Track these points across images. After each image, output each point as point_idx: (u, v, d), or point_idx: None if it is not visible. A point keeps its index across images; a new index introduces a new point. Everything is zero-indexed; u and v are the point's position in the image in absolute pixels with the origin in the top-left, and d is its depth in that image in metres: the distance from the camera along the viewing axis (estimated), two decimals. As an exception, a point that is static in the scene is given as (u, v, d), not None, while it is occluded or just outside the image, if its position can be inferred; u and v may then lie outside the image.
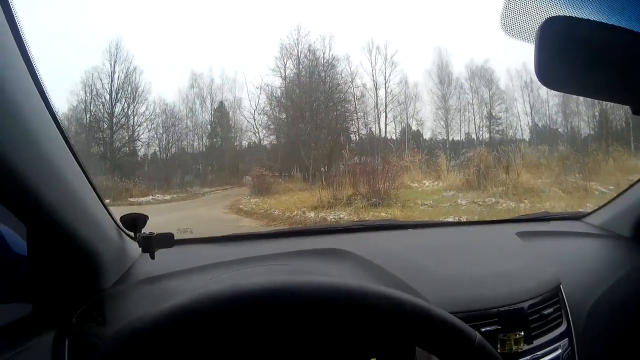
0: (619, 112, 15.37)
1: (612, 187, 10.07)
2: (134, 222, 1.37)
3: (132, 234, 1.40)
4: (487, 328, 1.28)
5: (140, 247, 1.35)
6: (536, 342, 1.36)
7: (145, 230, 1.39)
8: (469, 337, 0.71)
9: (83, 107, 15.61)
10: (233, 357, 0.88)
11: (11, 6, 0.77)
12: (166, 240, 1.38)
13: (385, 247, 1.69)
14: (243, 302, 0.67)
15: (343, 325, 0.72)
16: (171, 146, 17.20)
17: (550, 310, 1.43)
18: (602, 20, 0.81)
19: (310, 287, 0.70)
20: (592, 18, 0.81)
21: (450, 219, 7.56)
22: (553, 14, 0.80)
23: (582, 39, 0.80)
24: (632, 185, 2.01)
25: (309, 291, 0.70)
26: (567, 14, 0.81)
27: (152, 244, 1.34)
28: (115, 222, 1.32)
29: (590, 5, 0.84)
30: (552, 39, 0.79)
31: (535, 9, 0.82)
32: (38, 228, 1.00)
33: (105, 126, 16.03)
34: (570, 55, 0.81)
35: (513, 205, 9.82)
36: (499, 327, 1.30)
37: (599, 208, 2.20)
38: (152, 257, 1.34)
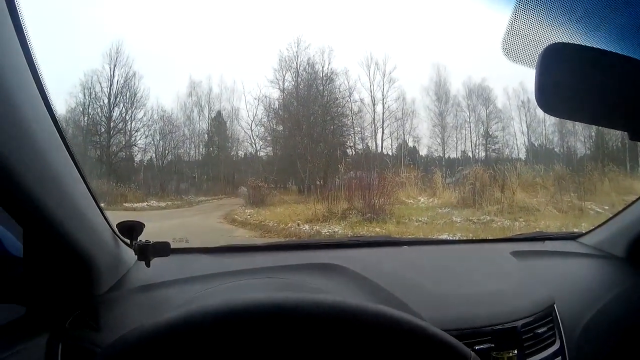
0: (615, 133, 15.47)
1: (607, 207, 10.18)
2: (131, 230, 1.39)
3: (128, 241, 1.40)
4: (481, 346, 1.31)
5: (136, 254, 1.36)
6: None
7: (141, 237, 1.38)
8: (463, 356, 0.72)
9: (81, 109, 15.65)
10: None
11: (18, 10, 0.76)
12: (162, 249, 1.39)
13: (380, 264, 1.71)
14: (241, 318, 0.67)
15: (341, 342, 0.72)
16: (168, 153, 17.24)
17: (544, 329, 1.46)
18: (602, 48, 0.83)
19: (309, 304, 0.71)
20: (592, 45, 0.83)
21: (445, 236, 7.60)
22: (554, 41, 0.81)
23: (582, 66, 0.82)
24: (627, 207, 2.04)
25: (307, 308, 0.71)
26: (569, 41, 0.82)
27: (148, 252, 1.35)
28: (112, 228, 1.33)
29: (590, 33, 0.86)
30: (553, 65, 0.81)
31: (536, 35, 0.84)
32: (34, 230, 0.99)
33: (103, 130, 16.05)
34: (571, 82, 0.83)
35: (508, 224, 9.87)
36: (492, 345, 1.32)
37: (594, 228, 2.23)
38: (148, 265, 1.35)
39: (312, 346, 0.79)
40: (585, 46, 0.82)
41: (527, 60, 0.86)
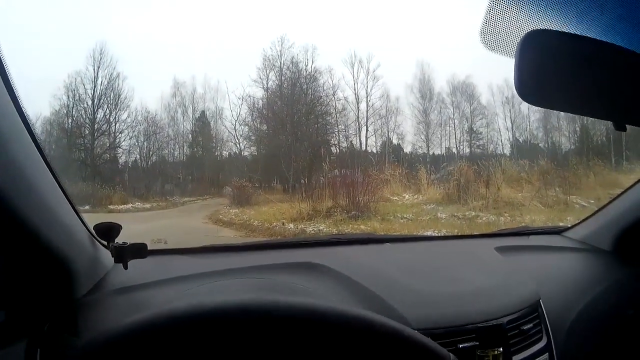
0: (600, 127, 15.57)
1: (592, 201, 10.22)
2: (108, 231, 1.37)
3: (105, 243, 1.38)
4: (465, 344, 1.29)
5: (113, 256, 1.34)
6: (516, 358, 1.37)
7: (123, 237, 1.38)
8: (442, 358, 0.72)
9: (65, 111, 15.35)
10: None
11: None
12: (139, 250, 1.37)
13: (362, 262, 1.69)
14: (209, 321, 0.67)
15: (313, 346, 0.72)
16: (152, 154, 17.02)
17: (529, 325, 1.44)
18: (583, 34, 0.82)
19: (281, 307, 0.70)
20: (573, 32, 0.82)
21: (430, 233, 7.60)
22: (533, 28, 0.80)
23: (562, 53, 0.81)
24: (612, 200, 2.03)
25: (278, 311, 0.70)
26: (548, 28, 0.82)
27: (125, 254, 1.33)
28: (89, 230, 1.31)
29: (571, 19, 0.85)
30: (533, 53, 0.79)
31: (515, 23, 0.83)
32: (9, 235, 0.98)
33: (87, 132, 15.77)
34: (551, 69, 0.82)
35: (493, 219, 9.87)
36: (477, 343, 1.30)
37: (579, 222, 2.22)
38: (126, 267, 1.33)
39: (283, 349, 0.80)
40: (566, 32, 0.82)
41: (506, 49, 0.85)
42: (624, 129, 0.88)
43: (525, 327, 1.42)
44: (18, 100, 0.89)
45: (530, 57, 0.79)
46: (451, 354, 0.73)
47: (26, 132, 0.94)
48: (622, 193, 1.97)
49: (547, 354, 1.46)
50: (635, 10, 0.85)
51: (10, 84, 0.86)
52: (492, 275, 1.65)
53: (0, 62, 0.83)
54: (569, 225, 2.28)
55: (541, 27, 0.81)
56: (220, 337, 0.68)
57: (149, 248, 1.41)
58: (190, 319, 0.67)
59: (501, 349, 1.33)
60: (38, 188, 0.98)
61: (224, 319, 0.68)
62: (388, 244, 2.05)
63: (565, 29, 0.83)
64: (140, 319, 0.67)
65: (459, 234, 5.99)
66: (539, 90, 0.83)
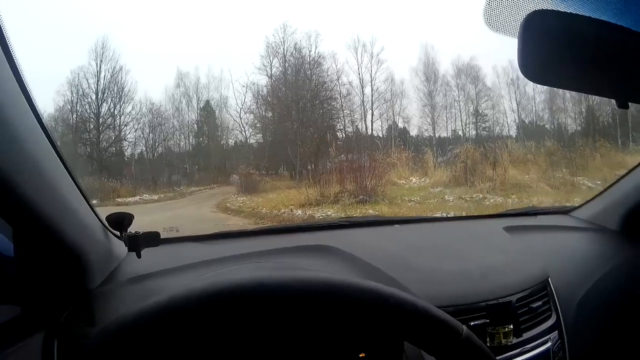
0: (606, 109, 15.47)
1: (599, 182, 10.16)
2: (120, 222, 1.37)
3: (118, 233, 1.38)
4: (476, 322, 1.29)
5: (126, 246, 1.35)
6: (526, 335, 1.37)
7: (132, 229, 1.39)
8: (455, 330, 0.71)
9: (69, 107, 15.31)
10: (218, 353, 0.89)
11: None
12: (152, 239, 1.38)
13: (371, 243, 1.69)
14: (225, 298, 0.67)
15: (328, 320, 0.72)
16: (158, 146, 17.07)
17: (539, 303, 1.45)
18: (586, 14, 0.80)
19: (292, 282, 0.70)
20: (575, 11, 0.80)
21: (438, 215, 7.60)
22: (536, 8, 0.79)
23: (565, 32, 0.80)
24: (619, 179, 2.03)
25: (290, 286, 0.70)
26: (551, 8, 0.80)
27: (138, 243, 1.33)
28: (101, 221, 1.31)
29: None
30: (536, 33, 0.79)
31: (518, 2, 0.82)
32: (24, 229, 0.99)
33: (92, 126, 15.78)
34: (554, 49, 0.81)
35: (500, 201, 9.89)
36: (487, 320, 1.30)
37: (586, 202, 2.21)
38: (139, 256, 1.34)
39: (298, 323, 0.80)
40: (569, 12, 0.80)
41: (510, 29, 0.83)
42: (627, 107, 0.88)
43: (534, 305, 1.42)
44: (32, 99, 0.90)
45: (533, 36, 0.79)
46: (464, 327, 0.72)
47: (40, 129, 0.94)
48: (628, 172, 1.97)
49: (557, 331, 1.46)
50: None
51: (24, 84, 0.87)
52: (501, 254, 1.66)
53: (15, 64, 0.84)
54: (576, 205, 2.28)
55: (544, 7, 0.80)
56: (237, 314, 0.68)
57: (161, 237, 1.41)
58: (206, 297, 0.67)
59: (511, 326, 1.33)
60: (52, 182, 0.98)
61: (240, 295, 0.68)
62: (397, 225, 2.04)
63: (568, 9, 0.81)
64: (153, 302, 0.68)
65: (468, 215, 6.00)
66: (541, 69, 0.82)
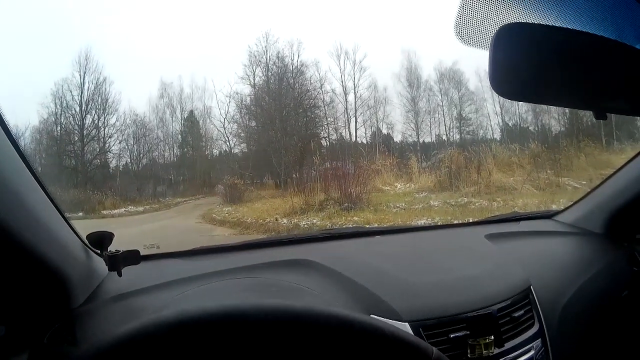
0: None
1: (584, 182, 10.23)
2: (101, 240, 1.36)
3: (99, 251, 1.38)
4: (456, 334, 1.30)
5: (106, 264, 1.35)
6: (508, 345, 1.38)
7: (116, 244, 1.38)
8: (424, 352, 0.73)
9: (53, 119, 15.09)
10: None
11: None
12: (132, 257, 1.38)
13: (352, 256, 1.70)
14: (194, 327, 0.69)
15: (297, 348, 0.73)
16: (142, 157, 16.93)
17: (521, 312, 1.46)
18: (558, 24, 0.82)
19: (260, 311, 0.72)
20: (546, 23, 0.82)
21: (423, 222, 7.64)
22: (507, 22, 0.80)
23: (539, 46, 0.80)
24: (602, 182, 2.03)
25: (257, 315, 0.72)
26: (523, 20, 0.81)
27: (118, 261, 1.34)
28: (82, 240, 1.32)
29: (546, 12, 0.85)
30: (507, 46, 0.79)
31: (489, 17, 0.82)
32: (3, 250, 1.00)
33: (76, 138, 15.53)
34: (528, 63, 0.81)
35: (486, 204, 9.91)
36: (468, 332, 1.32)
37: (570, 205, 2.22)
38: (120, 274, 1.34)
39: (264, 351, 0.82)
40: (541, 24, 0.81)
41: (481, 43, 0.84)
42: (605, 118, 0.88)
43: (516, 314, 1.44)
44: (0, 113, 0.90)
45: (504, 50, 0.79)
46: (434, 348, 0.73)
47: (10, 144, 0.94)
48: (611, 175, 1.97)
49: (540, 339, 1.47)
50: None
51: None
52: (482, 264, 1.66)
53: None
54: (560, 209, 2.28)
55: (515, 19, 0.81)
56: (204, 341, 0.69)
57: (141, 254, 1.42)
58: (176, 324, 0.69)
59: (492, 337, 1.34)
60: (28, 202, 0.98)
61: (207, 323, 0.69)
62: (378, 236, 2.05)
63: (539, 21, 0.82)
64: (130, 328, 0.69)
65: (451, 221, 6.00)
66: (514, 85, 0.83)
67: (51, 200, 1.11)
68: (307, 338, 0.71)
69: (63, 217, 1.18)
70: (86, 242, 1.34)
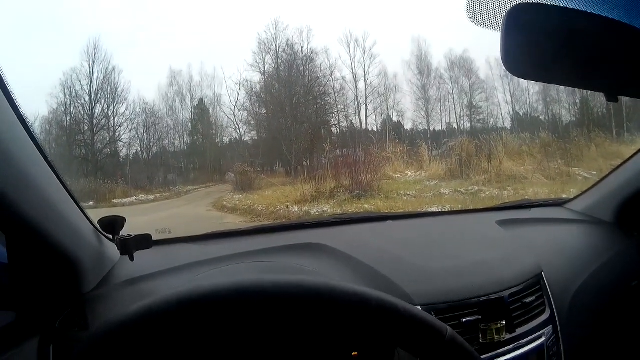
0: (600, 99, 15.40)
1: (594, 173, 10.15)
2: (112, 225, 1.35)
3: (110, 236, 1.38)
4: (468, 318, 1.29)
5: (118, 249, 1.34)
6: (519, 331, 1.37)
7: (127, 232, 1.38)
8: (439, 332, 0.72)
9: (63, 109, 15.22)
10: (205, 356, 0.90)
11: None
12: (144, 241, 1.37)
13: (364, 240, 1.69)
14: (207, 303, 0.68)
15: (314, 322, 0.72)
16: (153, 146, 17.02)
17: (532, 298, 1.44)
18: (571, 7, 0.80)
19: (278, 286, 0.71)
20: (560, 4, 0.80)
21: (434, 209, 7.59)
22: (520, 1, 0.79)
23: (549, 26, 0.80)
24: (613, 170, 2.00)
25: (275, 290, 0.71)
26: (534, 1, 0.81)
27: (130, 246, 1.33)
28: (93, 225, 1.31)
29: None
30: (519, 26, 0.78)
31: None
32: (17, 236, 0.99)
33: (86, 128, 15.69)
34: (538, 42, 0.80)
35: (496, 193, 9.85)
36: (480, 317, 1.30)
37: (581, 194, 2.20)
38: (132, 259, 1.33)
39: (285, 326, 0.80)
40: (553, 5, 0.81)
41: (493, 23, 0.82)
42: (616, 100, 0.87)
43: (527, 300, 1.42)
44: (14, 102, 0.88)
45: (516, 30, 0.78)
46: (448, 327, 0.73)
47: (25, 133, 0.93)
48: (622, 164, 1.95)
49: (551, 325, 1.45)
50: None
51: (5, 85, 0.86)
52: (493, 249, 1.65)
53: None
54: (571, 197, 2.26)
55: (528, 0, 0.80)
56: (218, 318, 0.68)
57: (153, 238, 1.41)
58: (188, 302, 0.68)
59: (504, 322, 1.32)
60: (41, 188, 0.97)
61: (220, 300, 0.68)
62: (390, 221, 2.02)
63: (551, 1, 0.81)
64: (140, 305, 0.68)
65: (462, 208, 5.97)
66: (525, 63, 0.83)
67: (64, 186, 1.10)
68: (324, 314, 0.71)
69: (76, 202, 1.17)
70: (98, 227, 1.33)
